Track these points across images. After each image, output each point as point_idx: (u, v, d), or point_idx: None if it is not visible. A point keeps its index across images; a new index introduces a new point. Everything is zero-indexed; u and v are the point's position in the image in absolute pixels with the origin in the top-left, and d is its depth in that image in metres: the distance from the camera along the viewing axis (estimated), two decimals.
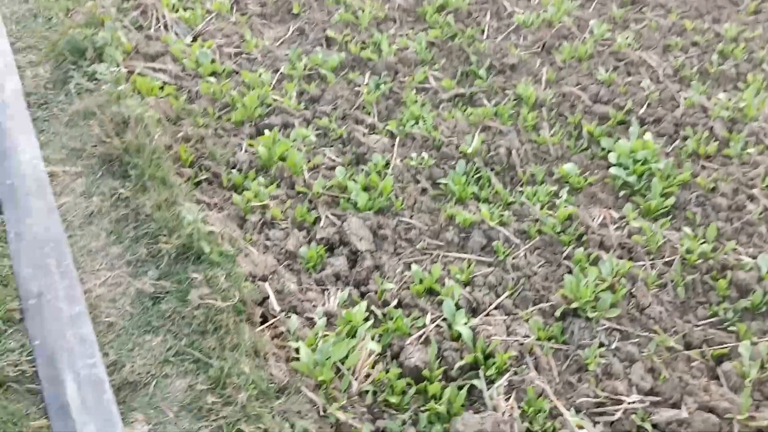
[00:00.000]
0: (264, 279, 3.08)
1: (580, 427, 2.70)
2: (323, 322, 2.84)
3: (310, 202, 3.71)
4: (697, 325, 3.26)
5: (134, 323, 2.63)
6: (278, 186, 3.72)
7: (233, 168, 3.77)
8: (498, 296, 3.28)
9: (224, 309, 2.68)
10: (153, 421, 2.28)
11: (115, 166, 3.49)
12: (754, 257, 3.57)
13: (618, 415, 2.76)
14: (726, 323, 3.27)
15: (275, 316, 2.88)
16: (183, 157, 3.66)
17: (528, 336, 3.03)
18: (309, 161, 3.94)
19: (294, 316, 2.87)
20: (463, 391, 2.69)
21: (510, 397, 2.77)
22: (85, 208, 3.21)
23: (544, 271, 3.45)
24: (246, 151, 3.92)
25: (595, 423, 2.76)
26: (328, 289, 3.20)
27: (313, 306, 3.05)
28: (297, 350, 2.67)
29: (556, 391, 2.85)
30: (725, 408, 2.77)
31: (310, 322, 2.93)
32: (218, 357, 2.50)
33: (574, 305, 3.14)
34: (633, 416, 2.76)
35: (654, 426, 2.74)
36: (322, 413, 2.48)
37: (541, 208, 3.81)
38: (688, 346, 3.16)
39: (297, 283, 3.18)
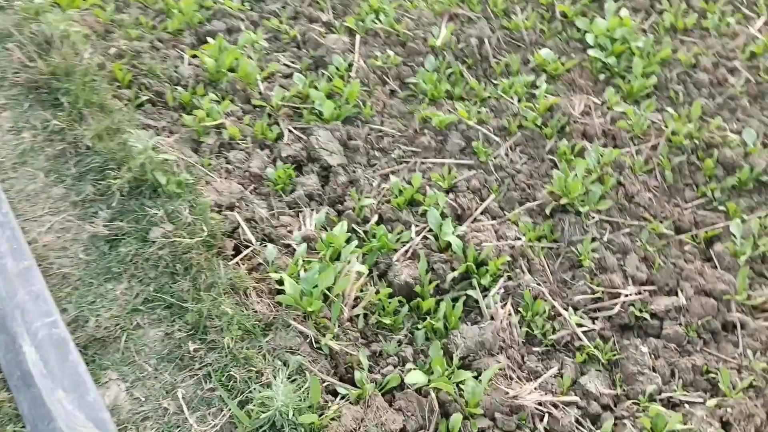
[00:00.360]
0: (231, 208, 2.80)
1: (580, 325, 2.62)
2: (303, 248, 2.61)
3: (270, 116, 3.37)
4: (687, 208, 3.17)
5: (92, 272, 2.35)
6: (232, 101, 3.35)
7: (177, 84, 3.36)
8: (483, 200, 3.09)
9: (192, 246, 2.41)
10: (130, 378, 2.08)
11: (43, 93, 3.05)
12: (739, 132, 3.45)
13: (616, 308, 2.69)
14: (715, 203, 3.19)
15: (249, 247, 2.64)
16: (119, 76, 3.22)
17: (518, 238, 2.88)
18: (262, 70, 3.54)
19: (270, 245, 2.63)
20: (459, 304, 2.56)
21: (506, 303, 2.65)
22: (16, 146, 2.81)
23: (528, 168, 3.25)
24: (189, 63, 3.48)
25: (594, 319, 2.69)
26: (302, 212, 2.95)
27: (289, 231, 2.81)
28: (279, 282, 2.46)
29: (551, 291, 2.74)
30: (722, 290, 2.72)
31: (289, 250, 2.70)
32: (194, 299, 2.27)
33: (563, 201, 2.99)
34: (631, 308, 2.69)
35: (653, 315, 2.68)
36: (314, 345, 2.31)
37: (520, 101, 3.56)
38: (679, 231, 3.07)
39: (268, 209, 2.91)
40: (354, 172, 3.17)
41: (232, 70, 3.46)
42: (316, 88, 3.47)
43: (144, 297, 2.29)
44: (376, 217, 2.97)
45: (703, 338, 2.64)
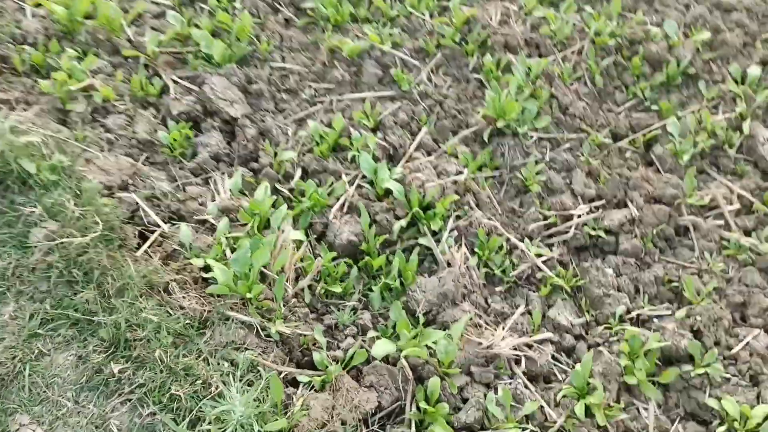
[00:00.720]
0: (124, 187, 2.42)
1: (539, 255, 2.56)
2: (224, 223, 2.31)
3: (147, 67, 2.92)
4: (620, 112, 3.14)
5: None
6: (96, 55, 2.85)
7: (24, 43, 2.80)
8: (414, 134, 2.89)
9: (87, 244, 2.05)
10: (46, 418, 1.75)
11: None
12: (659, 25, 3.42)
13: (571, 231, 2.64)
14: (647, 103, 3.18)
15: (156, 231, 2.30)
16: None
17: (460, 172, 2.72)
18: (127, 12, 3.03)
19: (182, 225, 2.30)
20: (414, 256, 2.39)
21: (460, 245, 2.52)
22: None
23: (455, 91, 3.07)
24: (34, 15, 2.91)
25: (550, 246, 2.63)
26: (211, 178, 2.62)
27: (201, 204, 2.48)
28: (205, 269, 2.16)
29: (503, 224, 2.64)
30: (672, 195, 2.74)
31: (206, 227, 2.39)
32: (104, 310, 1.94)
33: (499, 124, 2.84)
34: (585, 228, 2.65)
35: (607, 232, 2.66)
36: (261, 334, 2.07)
37: (432, 16, 3.31)
38: (617, 138, 3.05)
39: (169, 181, 2.55)
40: (263, 121, 2.84)
41: (89, 16, 2.93)
42: (197, 26, 3.04)
43: (40, 317, 1.92)
44: (299, 172, 2.70)
45: (659, 247, 2.67)
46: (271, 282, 2.20)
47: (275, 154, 2.71)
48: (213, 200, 2.50)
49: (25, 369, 1.82)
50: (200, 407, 1.77)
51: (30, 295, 1.96)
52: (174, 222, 2.39)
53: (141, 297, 1.99)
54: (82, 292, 1.96)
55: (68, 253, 2.03)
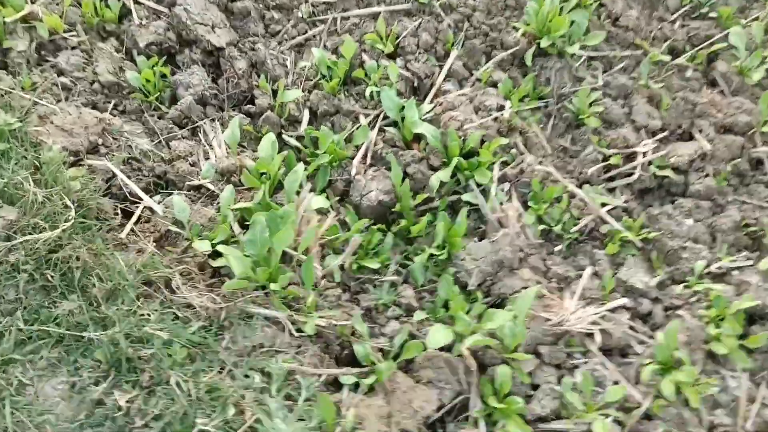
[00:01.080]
0: (94, 150, 1.99)
1: (605, 204, 2.25)
2: (229, 193, 1.91)
3: None
4: (674, 21, 2.76)
5: None
6: None
7: None
8: (440, 60, 2.47)
9: (60, 237, 1.65)
10: None
11: None
12: None
13: (637, 172, 2.33)
14: (703, 9, 2.80)
15: (139, 204, 1.91)
16: None
17: (502, 106, 2.34)
18: None
19: (175, 197, 1.90)
20: (461, 217, 2.05)
21: (510, 197, 2.19)
22: None
23: (484, 1, 2.62)
24: None
25: (614, 192, 2.33)
26: (199, 128, 2.19)
27: (192, 165, 2.07)
28: (213, 254, 1.80)
29: (556, 167, 2.31)
30: (745, 123, 2.43)
31: (202, 194, 2.00)
32: (95, 322, 1.58)
33: (543, 43, 2.44)
34: (651, 167, 2.35)
35: (676, 170, 2.36)
36: (293, 333, 1.75)
37: None
38: (674, 52, 2.68)
39: (148, 136, 2.12)
40: (253, 50, 2.39)
41: None
42: None
43: (13, 337, 1.55)
44: (306, 114, 2.29)
45: (732, 185, 2.39)
46: (293, 262, 1.86)
47: (274, 92, 2.29)
48: (206, 159, 2.09)
49: (4, 407, 1.48)
50: None
51: None
52: (162, 190, 2.00)
53: (138, 300, 1.62)
54: (62, 300, 1.59)
55: (37, 250, 1.63)
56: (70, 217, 1.66)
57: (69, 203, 1.69)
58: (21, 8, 2.18)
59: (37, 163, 1.78)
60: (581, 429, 1.81)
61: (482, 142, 2.22)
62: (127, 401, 1.50)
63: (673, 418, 1.87)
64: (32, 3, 2.23)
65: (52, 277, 1.61)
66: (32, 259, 1.62)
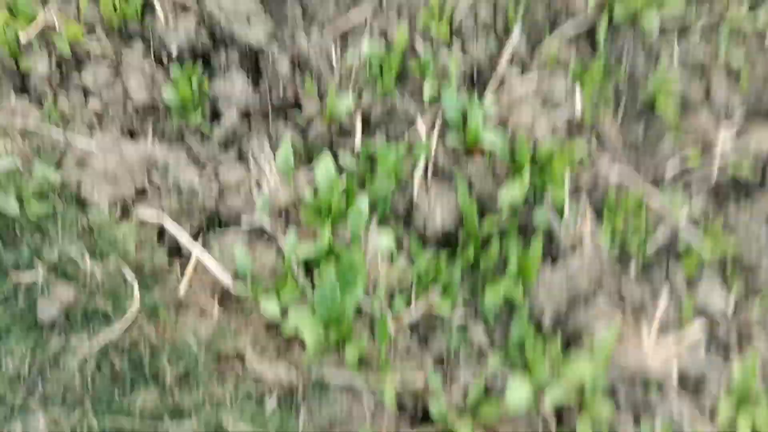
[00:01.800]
0: (141, 194, 1.83)
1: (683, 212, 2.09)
2: (292, 240, 1.77)
3: None
4: None
5: None
6: None
7: None
8: (501, 41, 2.20)
9: (130, 321, 1.56)
10: None
11: None
12: None
13: (714, 168, 2.14)
14: None
15: (190, 259, 1.79)
16: None
17: (572, 96, 2.11)
18: None
19: (236, 248, 1.77)
20: (537, 243, 1.90)
21: (583, 212, 2.04)
22: None
23: None
24: None
25: (690, 193, 2.15)
26: (245, 151, 2.01)
27: (246, 199, 1.92)
28: (282, 313, 1.71)
29: (632, 171, 2.13)
30: None
31: (260, 237, 1.87)
32: (171, 414, 1.53)
33: (618, 10, 2.15)
34: (731, 159, 2.15)
35: (756, 161, 2.17)
36: (373, 400, 1.70)
37: None
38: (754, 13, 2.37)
39: (193, 164, 1.95)
40: (293, 42, 2.13)
41: None
42: None
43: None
44: (359, 122, 2.08)
45: None
46: (362, 315, 1.77)
47: (320, 97, 2.07)
48: (258, 187, 1.93)
49: None
50: None
51: (62, 400, 1.53)
52: (213, 229, 1.87)
53: (214, 379, 1.57)
54: (134, 389, 1.53)
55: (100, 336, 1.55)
56: (134, 296, 1.56)
57: (130, 277, 1.58)
58: (33, 17, 1.92)
59: (84, 227, 1.64)
60: None
61: (554, 145, 2.02)
62: None
63: None
64: (42, 6, 1.97)
65: (118, 364, 1.55)
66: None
